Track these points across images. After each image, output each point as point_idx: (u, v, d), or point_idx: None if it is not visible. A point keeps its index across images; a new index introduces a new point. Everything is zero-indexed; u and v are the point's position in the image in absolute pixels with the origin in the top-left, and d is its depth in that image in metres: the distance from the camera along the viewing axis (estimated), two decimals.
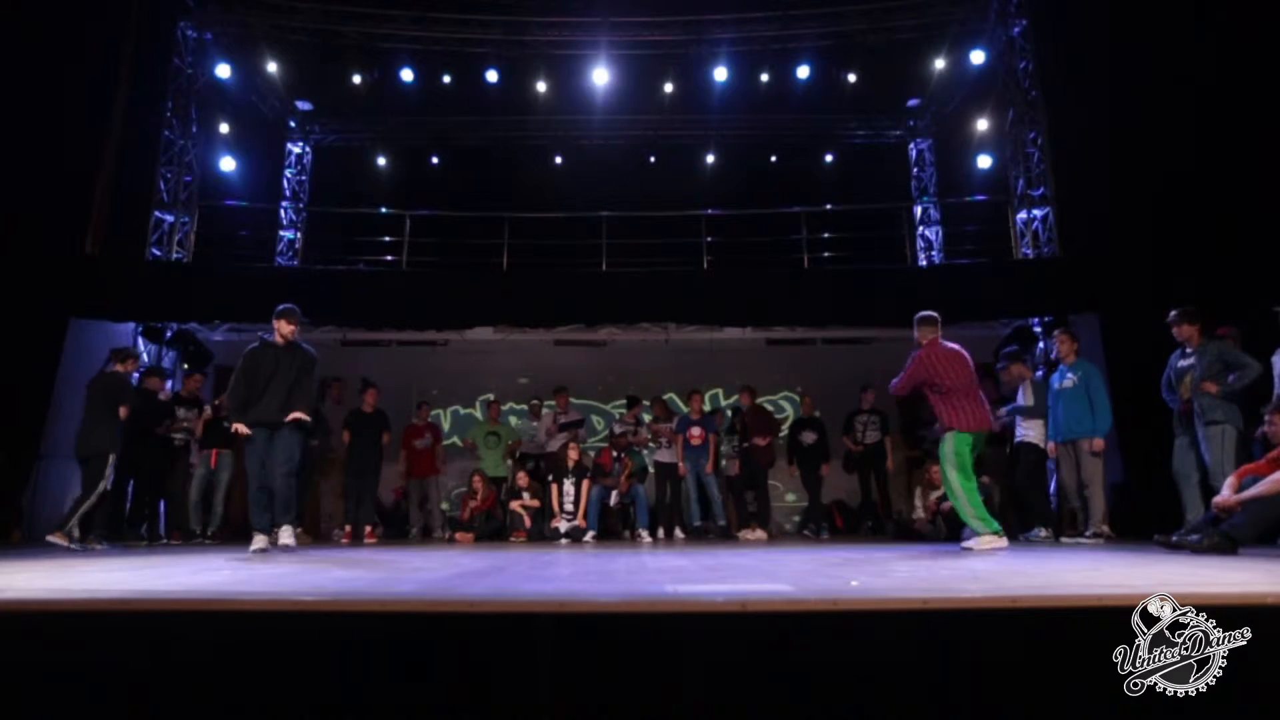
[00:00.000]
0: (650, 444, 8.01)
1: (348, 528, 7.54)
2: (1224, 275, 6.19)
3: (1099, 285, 7.68)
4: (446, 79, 10.09)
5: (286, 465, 4.63)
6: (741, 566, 3.19)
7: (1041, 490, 6.40)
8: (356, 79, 9.96)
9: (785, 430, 8.42)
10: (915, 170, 11.44)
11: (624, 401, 9.68)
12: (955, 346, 4.76)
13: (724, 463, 8.07)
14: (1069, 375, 6.03)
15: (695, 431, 7.68)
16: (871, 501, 8.23)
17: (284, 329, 4.86)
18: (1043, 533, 6.02)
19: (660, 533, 7.58)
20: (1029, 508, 6.34)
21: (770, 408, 9.06)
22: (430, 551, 5.02)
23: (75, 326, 7.51)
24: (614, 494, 7.63)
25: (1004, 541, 4.44)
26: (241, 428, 4.63)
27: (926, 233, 10.90)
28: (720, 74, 9.84)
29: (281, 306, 4.93)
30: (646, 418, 8.23)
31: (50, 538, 5.61)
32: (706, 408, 8.39)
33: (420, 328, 8.79)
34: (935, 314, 4.84)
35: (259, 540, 4.54)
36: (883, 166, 11.55)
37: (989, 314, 8.37)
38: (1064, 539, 5.98)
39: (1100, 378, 5.96)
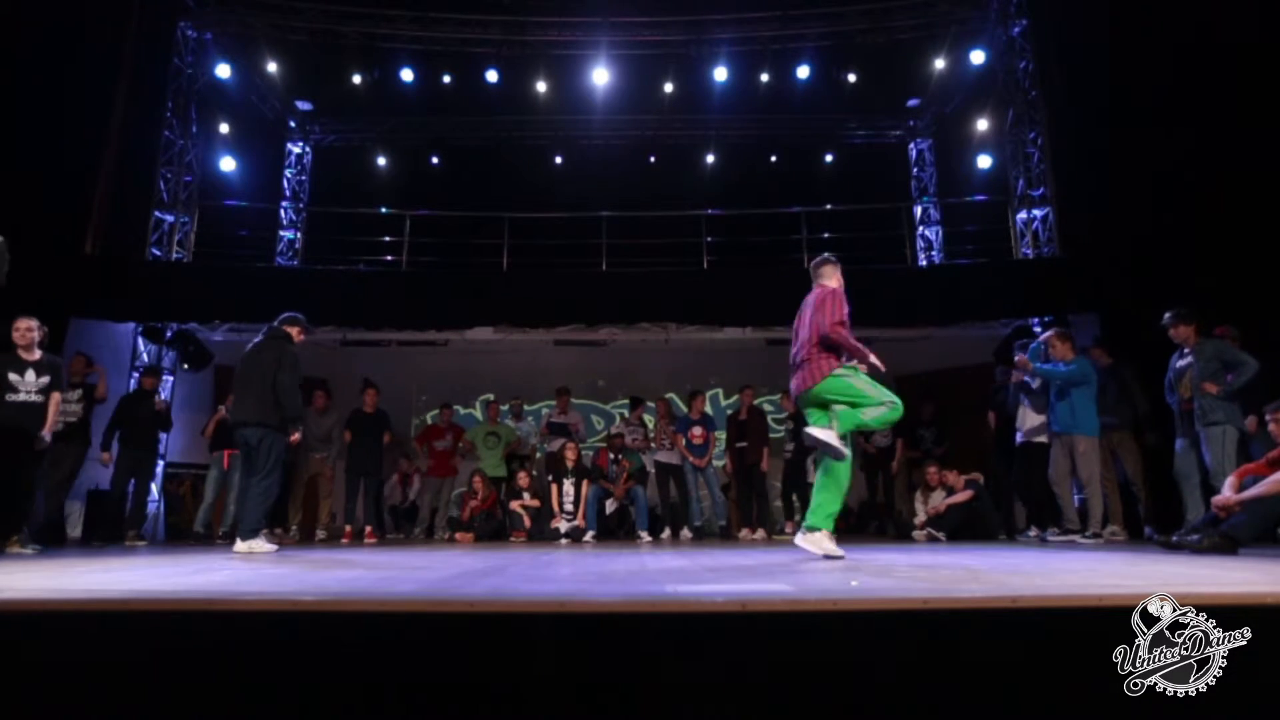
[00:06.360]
0: (652, 445, 8.01)
1: (348, 528, 7.55)
2: (1224, 275, 6.18)
3: (1099, 285, 7.67)
4: (446, 79, 10.10)
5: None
6: (741, 566, 3.19)
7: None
8: (356, 79, 9.95)
9: (784, 430, 8.40)
10: (915, 170, 11.44)
11: (624, 401, 9.65)
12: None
13: (722, 462, 8.04)
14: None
15: (696, 431, 7.69)
16: (875, 502, 8.22)
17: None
18: (1065, 529, 5.97)
19: (664, 533, 7.57)
20: (1043, 506, 6.33)
21: (770, 408, 9.05)
22: (430, 551, 5.02)
23: (75, 326, 7.51)
24: (609, 501, 7.61)
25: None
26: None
27: (926, 233, 10.90)
28: (720, 74, 9.83)
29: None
30: (649, 419, 8.21)
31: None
32: (707, 409, 8.38)
33: (420, 328, 8.78)
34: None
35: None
36: (883, 166, 11.56)
37: (989, 314, 8.37)
38: (1049, 537, 5.97)
39: (1096, 378, 5.95)
